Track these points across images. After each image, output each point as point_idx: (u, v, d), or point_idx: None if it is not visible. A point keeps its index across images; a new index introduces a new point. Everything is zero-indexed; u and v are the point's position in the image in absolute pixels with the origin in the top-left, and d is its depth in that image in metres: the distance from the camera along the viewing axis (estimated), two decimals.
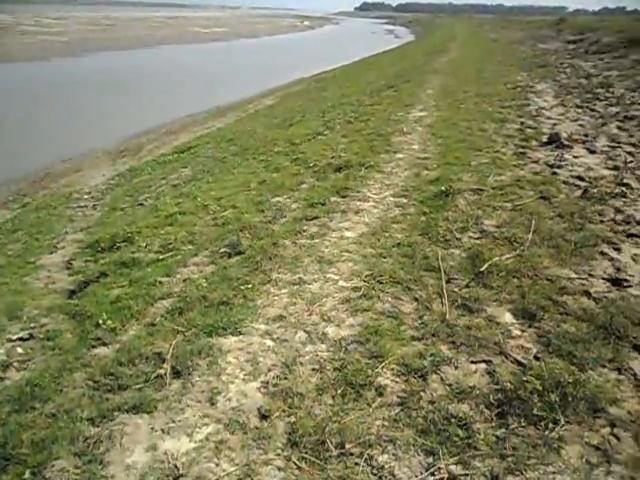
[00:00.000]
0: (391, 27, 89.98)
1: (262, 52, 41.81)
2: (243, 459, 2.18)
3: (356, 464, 2.12)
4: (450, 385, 2.54)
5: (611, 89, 10.29)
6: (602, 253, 3.78)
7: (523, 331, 2.94)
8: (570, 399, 2.34)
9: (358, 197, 5.20)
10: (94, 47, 36.53)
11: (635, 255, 3.79)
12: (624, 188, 5.01)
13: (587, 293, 3.27)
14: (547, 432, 2.20)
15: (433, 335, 2.90)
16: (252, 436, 2.30)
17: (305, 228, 4.53)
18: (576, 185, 5.21)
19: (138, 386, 2.69)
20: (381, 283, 3.47)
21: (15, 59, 28.99)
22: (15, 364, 3.43)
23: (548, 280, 3.39)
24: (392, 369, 2.66)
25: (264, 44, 49.89)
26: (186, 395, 2.59)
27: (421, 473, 2.08)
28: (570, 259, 3.67)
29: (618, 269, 3.57)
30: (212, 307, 3.35)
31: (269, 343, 2.95)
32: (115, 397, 2.65)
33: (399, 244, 4.02)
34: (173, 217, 5.63)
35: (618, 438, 2.20)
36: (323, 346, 2.88)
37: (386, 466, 2.11)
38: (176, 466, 2.17)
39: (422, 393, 2.49)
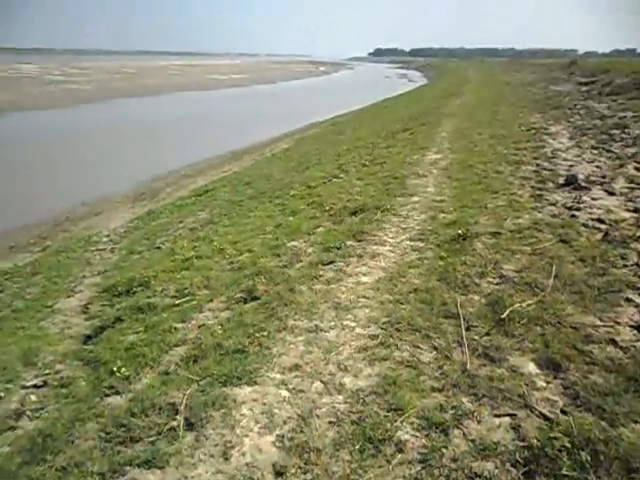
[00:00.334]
0: (404, 71, 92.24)
1: (278, 97, 43.02)
2: None
3: None
4: (473, 441, 2.43)
5: (627, 130, 10.27)
6: (627, 299, 3.66)
7: (548, 382, 2.82)
8: (602, 458, 2.21)
9: (374, 241, 5.18)
10: (116, 94, 38.01)
11: None
12: None
13: (614, 342, 3.15)
14: None
15: (454, 386, 2.81)
16: None
17: (321, 273, 4.50)
18: (596, 228, 5.13)
19: (151, 439, 2.63)
20: (399, 331, 3.39)
21: (40, 107, 30.22)
22: (28, 412, 3.39)
23: (572, 328, 3.28)
24: (412, 423, 2.56)
25: (280, 90, 51.35)
26: (199, 449, 2.51)
27: None
28: (594, 305, 3.57)
29: None
30: (227, 355, 3.30)
31: (285, 394, 2.87)
32: (127, 450, 2.58)
33: (417, 290, 3.95)
34: (189, 261, 5.65)
35: None
36: (340, 397, 2.80)
37: None
38: None
39: (444, 449, 2.38)
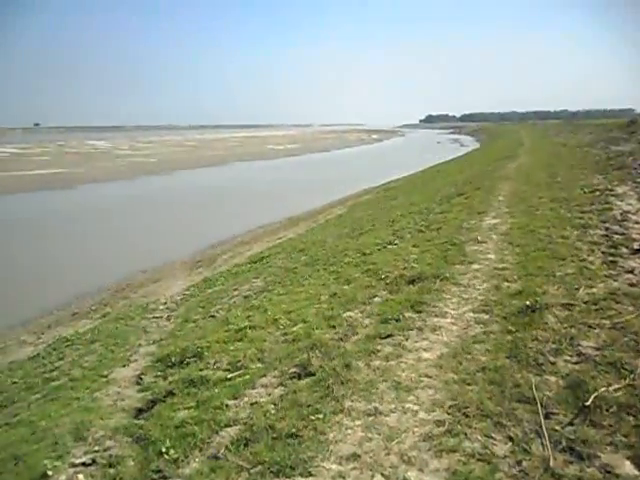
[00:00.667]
0: (456, 136, 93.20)
1: (331, 165, 44.24)
2: None
3: None
4: None
5: None
6: None
7: None
8: None
9: (434, 312, 4.90)
10: (177, 166, 40.45)
11: None
12: None
13: None
14: None
15: None
16: None
17: (379, 348, 4.24)
18: None
19: None
20: (467, 416, 3.06)
21: (108, 179, 32.52)
22: None
23: None
24: None
25: (333, 157, 52.94)
26: None
27: None
28: None
29: None
30: (280, 440, 3.08)
31: None
32: None
33: (484, 368, 3.62)
34: (243, 332, 5.55)
35: None
36: None
37: None
38: None
39: None
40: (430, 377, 3.64)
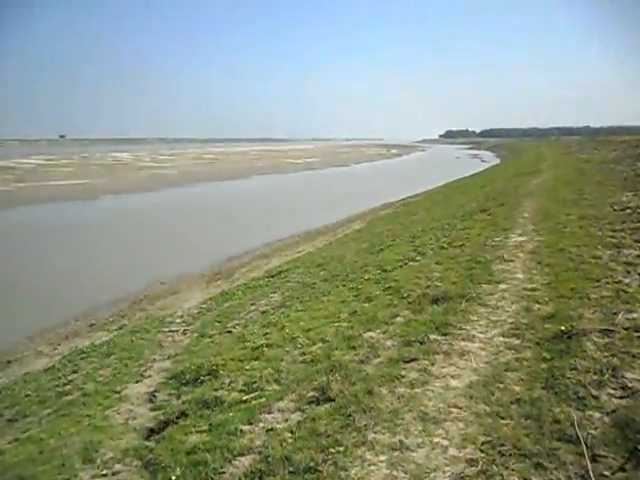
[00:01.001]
0: (475, 151, 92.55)
1: (350, 179, 44.14)
2: None
3: None
4: None
5: None
6: None
7: None
8: None
9: (461, 335, 4.63)
10: (198, 179, 40.79)
11: None
12: None
13: None
14: None
15: None
16: None
17: (403, 373, 3.99)
18: None
19: None
20: (503, 455, 2.79)
21: (130, 190, 32.87)
22: None
23: None
24: None
25: (352, 172, 52.84)
26: None
27: None
28: None
29: None
30: (297, 474, 2.84)
31: None
32: None
33: (519, 400, 3.35)
34: (260, 350, 5.34)
35: None
36: None
37: None
38: None
39: None
40: (460, 408, 3.37)
